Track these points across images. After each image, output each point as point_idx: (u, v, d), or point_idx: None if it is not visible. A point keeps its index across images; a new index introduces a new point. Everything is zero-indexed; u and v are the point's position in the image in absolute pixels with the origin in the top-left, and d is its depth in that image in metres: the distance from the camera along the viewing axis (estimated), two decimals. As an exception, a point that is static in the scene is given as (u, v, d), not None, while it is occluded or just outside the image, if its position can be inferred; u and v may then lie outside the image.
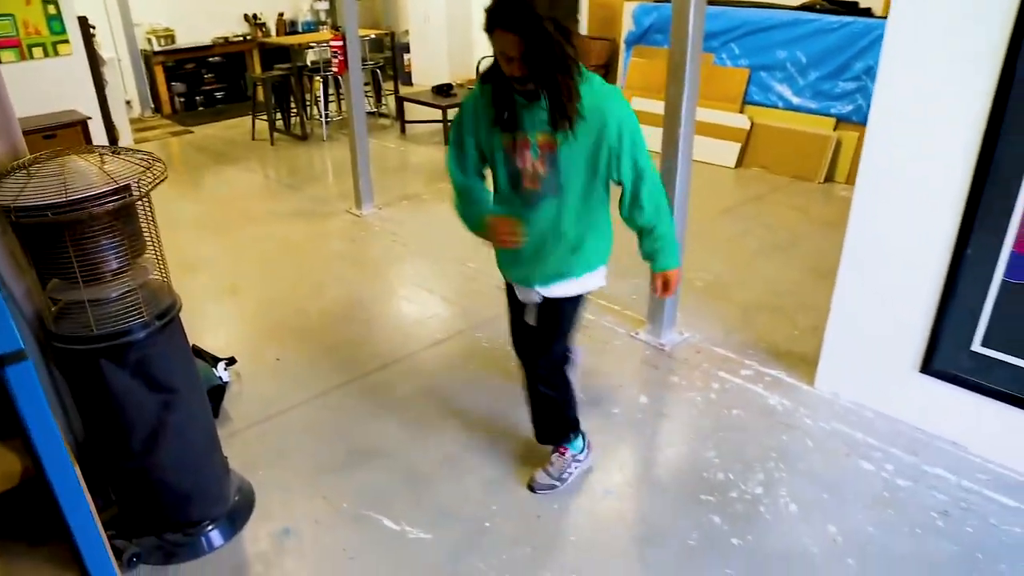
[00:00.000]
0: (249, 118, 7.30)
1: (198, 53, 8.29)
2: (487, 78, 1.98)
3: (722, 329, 3.50)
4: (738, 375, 3.14)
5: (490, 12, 1.81)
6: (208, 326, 3.62)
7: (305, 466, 2.65)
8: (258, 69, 8.42)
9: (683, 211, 3.20)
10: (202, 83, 8.44)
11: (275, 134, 6.98)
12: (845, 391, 2.93)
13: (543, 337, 2.30)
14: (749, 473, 2.56)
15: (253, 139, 7.09)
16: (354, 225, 4.92)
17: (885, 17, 5.83)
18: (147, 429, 2.11)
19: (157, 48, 8.01)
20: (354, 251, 4.55)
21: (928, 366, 2.64)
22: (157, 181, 1.96)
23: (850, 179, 5.52)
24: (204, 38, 8.33)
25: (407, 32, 9.34)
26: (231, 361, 3.19)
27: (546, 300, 2.21)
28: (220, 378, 3.01)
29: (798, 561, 2.20)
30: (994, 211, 2.35)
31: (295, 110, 7.24)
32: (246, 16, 8.61)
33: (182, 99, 8.35)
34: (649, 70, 6.68)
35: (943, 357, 2.59)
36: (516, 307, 2.35)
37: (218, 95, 8.55)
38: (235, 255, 4.48)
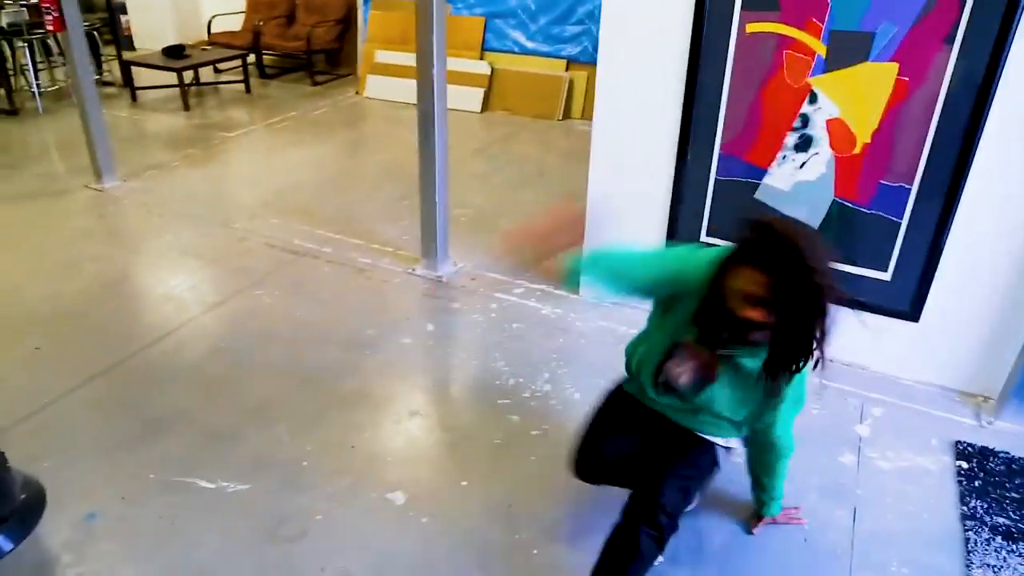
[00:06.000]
0: (-63, 93, 6.29)
1: None
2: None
3: (490, 256, 3.78)
4: (512, 294, 3.44)
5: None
6: (-59, 326, 3.21)
7: (97, 447, 2.51)
8: (-63, 37, 7.21)
9: (443, 155, 3.41)
10: None
11: (-25, 110, 6.10)
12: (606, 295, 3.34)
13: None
14: (536, 374, 2.87)
15: (-53, 117, 6.15)
16: (98, 200, 4.53)
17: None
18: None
19: None
20: (104, 227, 4.21)
21: (668, 261, 3.10)
22: None
23: (585, 114, 6.07)
24: None
25: (120, -10, 8.48)
26: (-18, 356, 2.89)
27: None
28: (-27, 376, 2.72)
29: (587, 437, 2.54)
30: (703, 122, 2.81)
31: (-4, 82, 6.34)
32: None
33: None
34: (388, 22, 6.74)
35: (678, 251, 3.06)
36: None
37: None
38: (-45, 247, 3.95)
